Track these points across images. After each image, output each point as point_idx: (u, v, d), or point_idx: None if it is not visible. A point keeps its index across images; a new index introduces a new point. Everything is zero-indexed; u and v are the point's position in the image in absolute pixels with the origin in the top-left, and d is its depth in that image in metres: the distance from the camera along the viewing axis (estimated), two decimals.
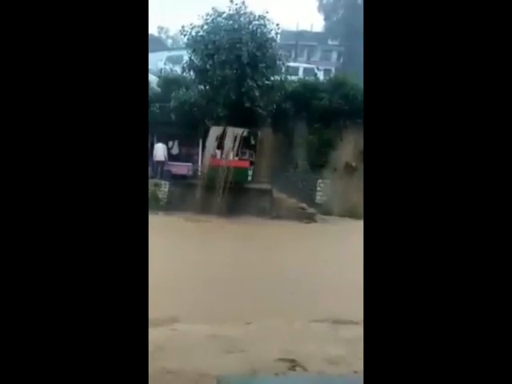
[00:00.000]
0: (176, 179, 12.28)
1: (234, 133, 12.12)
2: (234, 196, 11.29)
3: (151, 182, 12.06)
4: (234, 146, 12.11)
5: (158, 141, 12.63)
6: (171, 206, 11.59)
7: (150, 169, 12.49)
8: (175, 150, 13.03)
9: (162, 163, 12.43)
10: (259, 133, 12.73)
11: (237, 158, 12.15)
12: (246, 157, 12.48)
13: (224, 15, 12.66)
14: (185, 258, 6.79)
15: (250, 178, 12.29)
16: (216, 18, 12.67)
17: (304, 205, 11.81)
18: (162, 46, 25.57)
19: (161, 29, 35.06)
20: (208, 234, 9.32)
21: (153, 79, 14.88)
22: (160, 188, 12.03)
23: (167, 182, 12.13)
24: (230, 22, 12.52)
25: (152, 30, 33.50)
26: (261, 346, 3.49)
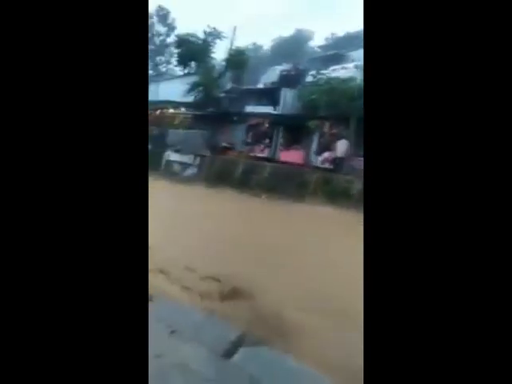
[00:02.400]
0: None
1: None
2: None
3: (345, 178, 12.65)
4: None
5: (354, 138, 13.01)
6: (359, 202, 11.79)
7: (333, 163, 13.20)
8: None
9: (343, 159, 12.88)
10: None
11: None
12: None
13: None
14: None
15: None
16: None
17: None
18: None
19: None
20: None
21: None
22: (352, 184, 12.44)
23: (360, 180, 12.36)
24: None
25: None
26: None
